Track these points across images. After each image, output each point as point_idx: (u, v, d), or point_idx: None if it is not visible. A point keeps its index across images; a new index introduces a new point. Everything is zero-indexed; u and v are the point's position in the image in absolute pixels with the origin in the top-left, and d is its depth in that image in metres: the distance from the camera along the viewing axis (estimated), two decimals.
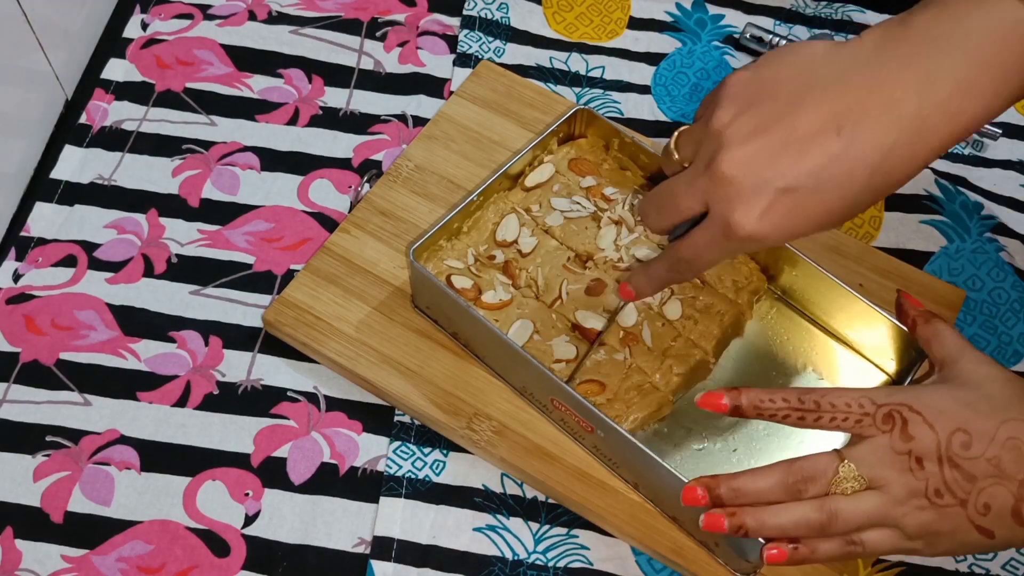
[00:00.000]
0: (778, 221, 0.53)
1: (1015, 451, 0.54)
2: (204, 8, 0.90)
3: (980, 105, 0.51)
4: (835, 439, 0.65)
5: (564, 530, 0.69)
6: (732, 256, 0.57)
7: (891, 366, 0.73)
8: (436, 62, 0.89)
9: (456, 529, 0.68)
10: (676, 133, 0.60)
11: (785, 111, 0.52)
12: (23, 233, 0.78)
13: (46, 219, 0.79)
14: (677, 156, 0.59)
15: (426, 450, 0.71)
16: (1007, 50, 0.51)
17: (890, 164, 0.51)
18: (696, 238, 0.57)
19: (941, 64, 0.51)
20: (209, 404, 0.72)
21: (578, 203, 0.75)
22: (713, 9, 0.94)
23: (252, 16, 0.90)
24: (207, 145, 0.83)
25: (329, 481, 0.70)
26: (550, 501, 0.70)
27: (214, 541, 0.67)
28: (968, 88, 0.51)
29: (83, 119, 0.84)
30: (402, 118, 0.85)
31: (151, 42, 0.88)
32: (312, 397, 0.73)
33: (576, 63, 0.90)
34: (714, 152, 0.54)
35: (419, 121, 0.85)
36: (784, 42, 0.91)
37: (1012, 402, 0.56)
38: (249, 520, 0.68)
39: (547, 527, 0.69)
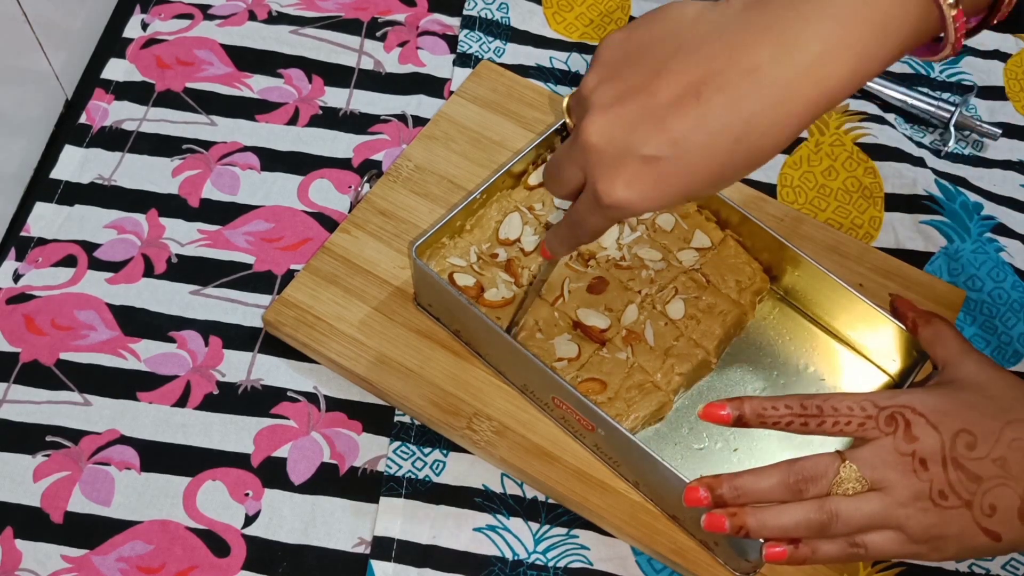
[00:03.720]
0: (643, 190, 0.51)
1: (1020, 452, 0.54)
2: (204, 8, 0.90)
3: (848, 69, 0.49)
4: (829, 444, 0.66)
5: (564, 530, 0.69)
6: (615, 221, 0.56)
7: (893, 367, 0.73)
8: (436, 62, 0.89)
9: (456, 529, 0.68)
10: (566, 98, 0.58)
11: (649, 77, 0.51)
12: (23, 233, 0.78)
13: (46, 219, 0.79)
14: (569, 122, 0.57)
15: (426, 450, 0.71)
16: (875, 11, 0.48)
17: (754, 132, 0.49)
18: (580, 203, 0.56)
19: (806, 28, 0.48)
20: (209, 404, 0.72)
21: None
22: None
23: (252, 16, 0.90)
24: (207, 145, 0.83)
25: (329, 481, 0.70)
26: (550, 501, 0.70)
27: (214, 541, 0.67)
28: (834, 52, 0.48)
29: (83, 119, 0.84)
30: (402, 118, 0.85)
31: (151, 42, 0.88)
32: (312, 397, 0.73)
33: (576, 63, 0.90)
34: (581, 117, 0.53)
35: (419, 121, 0.85)
36: None
37: (1015, 404, 0.56)
38: (249, 520, 0.68)
39: (547, 527, 0.69)
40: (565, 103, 0.59)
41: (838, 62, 0.48)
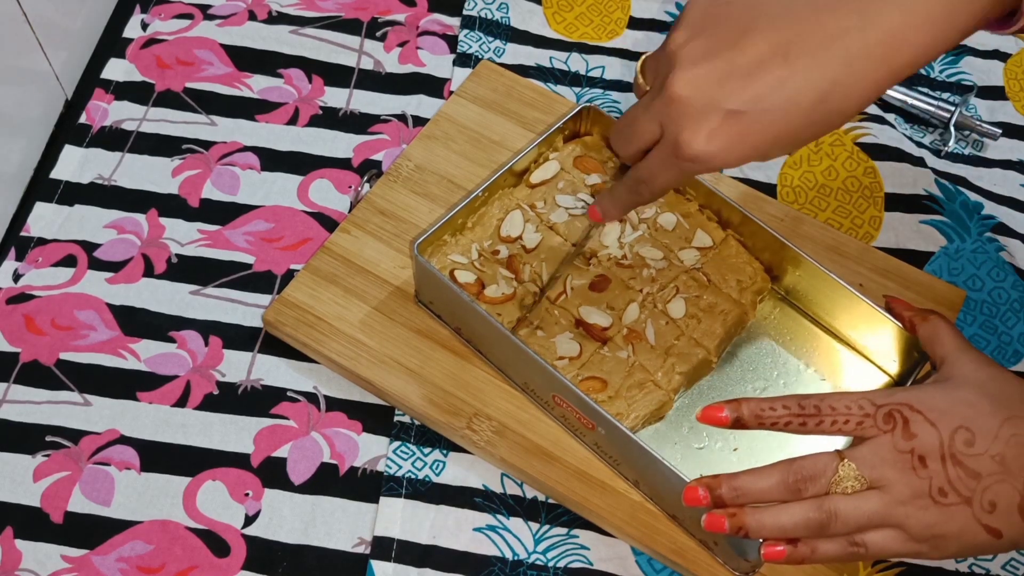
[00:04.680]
0: (724, 143, 0.54)
1: (1019, 447, 0.54)
2: (204, 8, 0.90)
3: (928, 38, 0.51)
4: (829, 444, 0.65)
5: (564, 530, 0.69)
6: (686, 179, 0.58)
7: (893, 367, 0.73)
8: (436, 62, 0.89)
9: (456, 529, 0.68)
10: (642, 59, 0.60)
11: (736, 35, 0.53)
12: (23, 233, 0.78)
13: (46, 219, 0.79)
14: (642, 81, 0.60)
15: (426, 450, 0.71)
16: None
17: (835, 95, 0.52)
18: (651, 159, 0.57)
19: None
20: (209, 404, 0.72)
21: (583, 200, 0.76)
22: None
23: (252, 16, 0.90)
24: (207, 145, 0.83)
25: (329, 481, 0.70)
26: (550, 501, 0.70)
27: (214, 541, 0.67)
28: (914, 22, 0.51)
29: (83, 119, 0.84)
30: (402, 118, 0.85)
31: (151, 42, 0.88)
32: (312, 397, 0.73)
33: (576, 63, 0.90)
34: (667, 73, 0.55)
35: (419, 121, 0.85)
36: None
37: (1013, 400, 0.56)
38: (249, 520, 0.68)
39: (547, 527, 0.69)
40: (640, 63, 0.60)
41: (919, 31, 0.50)
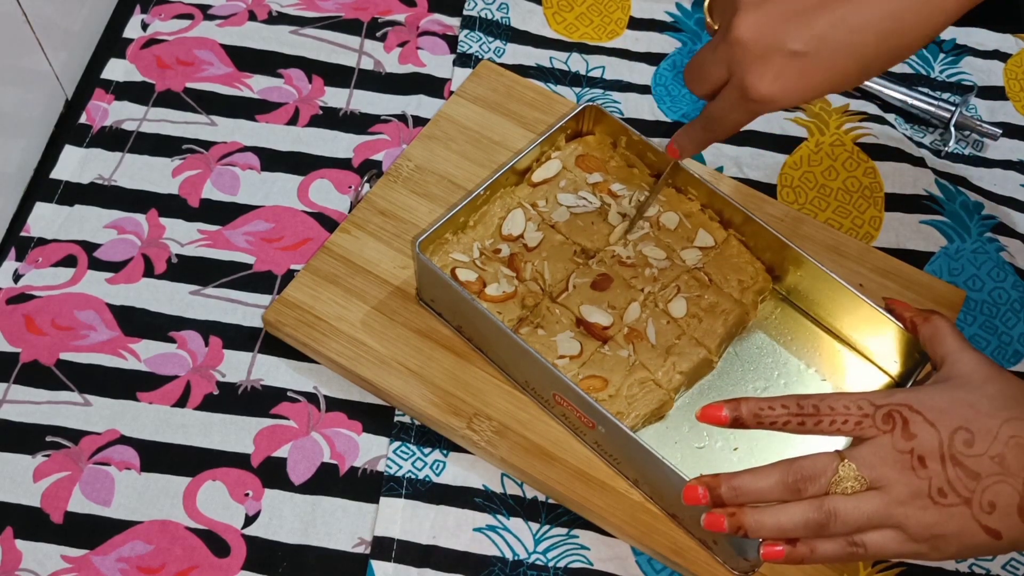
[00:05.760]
0: (790, 84, 0.55)
1: (1019, 448, 0.54)
2: (204, 8, 0.90)
3: None
4: (829, 444, 0.65)
5: (564, 530, 0.69)
6: (756, 116, 0.59)
7: (894, 368, 0.73)
8: (436, 62, 0.89)
9: (456, 529, 0.68)
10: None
11: None
12: (23, 233, 0.78)
13: (46, 219, 0.79)
14: (710, 20, 0.60)
15: (426, 450, 0.71)
16: None
17: (901, 29, 0.52)
18: (722, 99, 0.59)
19: None
20: (209, 404, 0.72)
21: (584, 199, 0.76)
22: None
23: (252, 16, 0.90)
24: (207, 145, 0.83)
25: (329, 481, 0.70)
26: (550, 501, 0.70)
27: (214, 541, 0.67)
28: None
29: (83, 119, 0.83)
30: (402, 118, 0.85)
31: (151, 42, 0.88)
32: (312, 397, 0.73)
33: (576, 63, 0.90)
34: (732, 15, 0.56)
35: (419, 121, 0.85)
36: None
37: (1013, 401, 0.56)
38: (249, 520, 0.68)
39: (547, 527, 0.69)
40: (707, 3, 0.61)
41: None
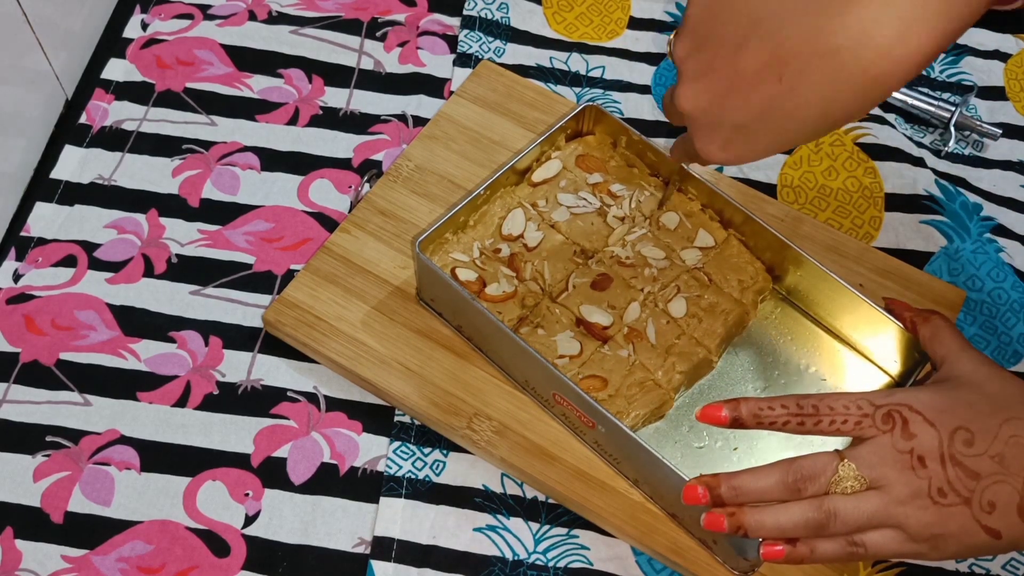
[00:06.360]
0: (740, 151, 0.55)
1: (1018, 448, 0.54)
2: (204, 8, 0.90)
3: (927, 41, 0.48)
4: (830, 444, 0.65)
5: (564, 530, 0.69)
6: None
7: (894, 368, 0.73)
8: (436, 62, 0.89)
9: (456, 529, 0.68)
10: (672, 34, 0.61)
11: (732, 51, 0.52)
12: (23, 233, 0.78)
13: (46, 219, 0.79)
14: (672, 59, 0.60)
15: (426, 450, 0.71)
16: None
17: (836, 108, 0.51)
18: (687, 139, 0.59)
19: (884, 8, 0.48)
20: (209, 404, 0.72)
21: (584, 199, 0.76)
22: None
23: (252, 16, 0.90)
24: (207, 145, 0.83)
25: (329, 481, 0.70)
26: (550, 501, 0.70)
27: (214, 541, 0.67)
28: (912, 30, 0.48)
29: (83, 119, 0.83)
30: (402, 118, 0.85)
31: (151, 42, 0.88)
32: (312, 397, 0.73)
33: (576, 63, 0.90)
34: (678, 79, 0.56)
35: (419, 121, 0.85)
36: None
37: (1012, 401, 0.56)
38: (249, 520, 0.68)
39: (547, 527, 0.69)
40: (672, 36, 0.62)
41: (918, 37, 0.48)
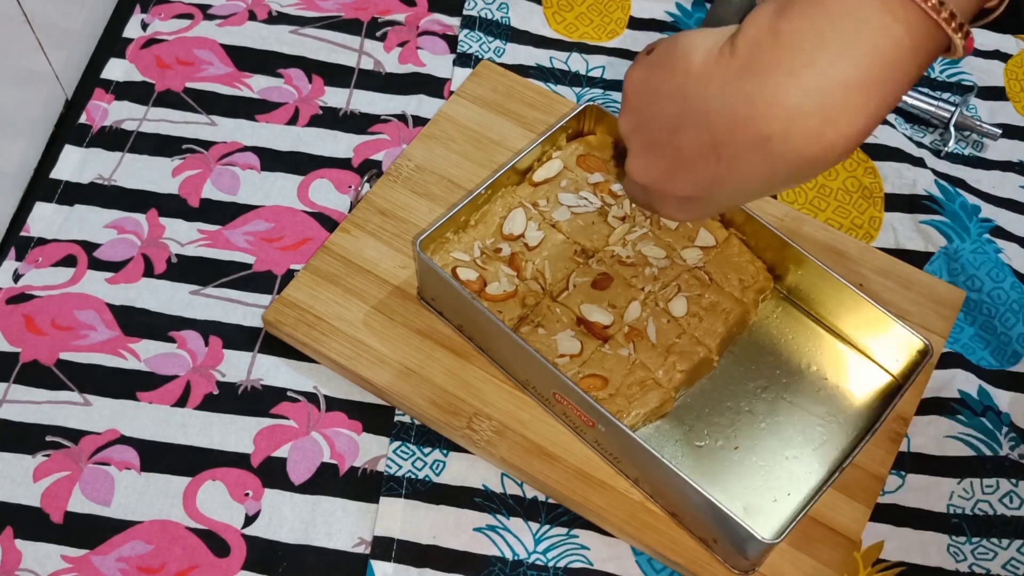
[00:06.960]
0: (692, 213, 0.56)
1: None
2: (204, 8, 0.90)
3: (864, 117, 0.47)
4: (830, 444, 0.65)
5: (564, 530, 0.69)
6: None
7: (896, 367, 0.73)
8: (436, 62, 0.89)
9: (456, 529, 0.68)
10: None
11: (670, 133, 0.52)
12: (23, 233, 0.78)
13: (46, 219, 0.79)
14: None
15: (426, 450, 0.71)
16: (879, 62, 0.46)
17: (778, 183, 0.51)
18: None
19: (805, 96, 0.47)
20: (209, 404, 0.72)
21: (585, 199, 0.76)
22: None
23: (252, 16, 0.90)
24: (207, 145, 0.83)
25: (329, 481, 0.70)
26: (550, 501, 0.70)
27: (214, 541, 0.67)
28: (837, 115, 0.47)
29: (83, 119, 0.83)
30: (402, 118, 0.85)
31: (151, 42, 0.88)
32: (312, 397, 0.73)
33: (576, 63, 0.90)
34: (627, 152, 0.57)
35: (419, 121, 0.85)
36: None
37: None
38: (249, 520, 0.68)
39: (547, 527, 0.69)
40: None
41: (847, 119, 0.47)
